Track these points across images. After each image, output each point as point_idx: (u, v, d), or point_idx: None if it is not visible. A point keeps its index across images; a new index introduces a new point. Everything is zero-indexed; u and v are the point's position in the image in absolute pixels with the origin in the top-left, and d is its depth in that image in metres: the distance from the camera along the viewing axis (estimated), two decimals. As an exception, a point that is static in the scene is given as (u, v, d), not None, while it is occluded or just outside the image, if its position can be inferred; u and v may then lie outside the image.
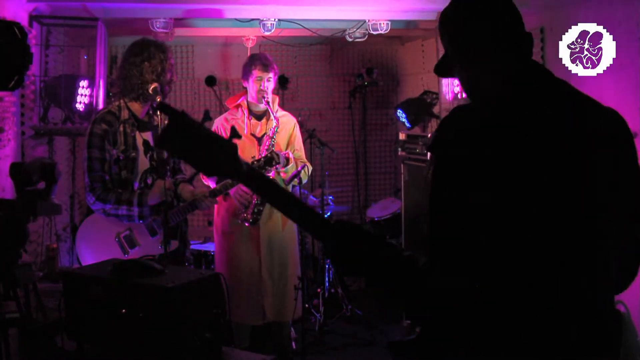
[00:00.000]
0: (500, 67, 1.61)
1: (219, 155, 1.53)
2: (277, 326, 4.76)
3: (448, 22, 1.70)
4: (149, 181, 3.78)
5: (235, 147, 1.55)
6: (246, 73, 4.56)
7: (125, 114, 3.72)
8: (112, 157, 3.64)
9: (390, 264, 1.60)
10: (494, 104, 1.58)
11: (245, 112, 4.60)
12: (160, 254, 3.70)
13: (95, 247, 3.69)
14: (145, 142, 3.78)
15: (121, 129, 3.68)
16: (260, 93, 4.49)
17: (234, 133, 1.68)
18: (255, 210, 4.46)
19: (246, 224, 4.48)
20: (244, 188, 4.40)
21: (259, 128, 4.62)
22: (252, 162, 4.15)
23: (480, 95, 1.67)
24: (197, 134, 1.52)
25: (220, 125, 4.61)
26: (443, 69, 1.78)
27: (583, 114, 1.58)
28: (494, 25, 1.63)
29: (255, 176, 1.60)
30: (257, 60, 4.54)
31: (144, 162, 3.76)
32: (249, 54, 6.41)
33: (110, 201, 3.62)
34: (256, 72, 4.50)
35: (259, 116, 4.63)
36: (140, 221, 3.70)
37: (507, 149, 1.49)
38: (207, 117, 1.65)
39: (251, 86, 4.53)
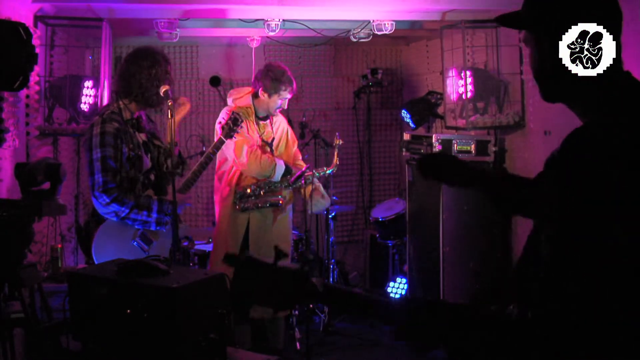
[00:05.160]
0: None
1: (292, 290, 1.53)
2: (270, 325, 4.79)
3: None
4: (152, 177, 3.85)
5: (305, 275, 1.54)
6: (274, 88, 4.58)
7: (127, 114, 3.77)
8: (123, 155, 3.65)
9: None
10: None
11: (253, 115, 4.67)
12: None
13: (116, 255, 3.53)
14: (145, 143, 3.85)
15: (126, 128, 3.72)
16: (276, 110, 4.67)
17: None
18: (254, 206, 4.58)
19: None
20: None
21: (266, 131, 4.70)
22: (223, 127, 4.27)
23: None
24: (266, 277, 1.53)
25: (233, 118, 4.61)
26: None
27: None
28: None
29: (333, 293, 1.58)
30: (288, 81, 4.59)
31: (146, 161, 3.82)
32: (253, 54, 6.44)
33: (129, 205, 3.60)
34: (285, 93, 4.61)
35: (263, 118, 4.71)
36: (158, 227, 3.74)
37: None
38: (280, 255, 1.56)
39: (273, 100, 4.61)
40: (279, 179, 4.62)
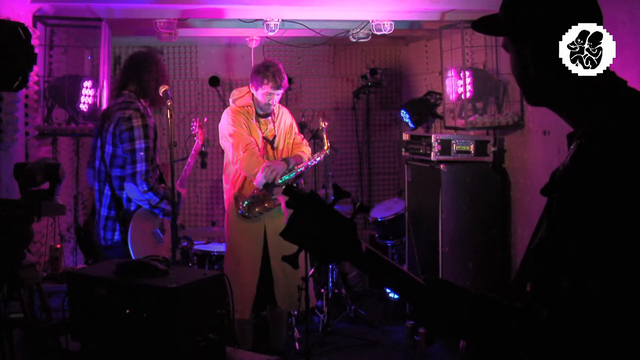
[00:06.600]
0: None
1: (340, 240, 1.42)
2: (272, 324, 4.80)
3: None
4: (157, 173, 3.97)
5: (355, 227, 1.44)
6: (257, 82, 4.49)
7: (149, 112, 3.96)
8: (155, 149, 3.87)
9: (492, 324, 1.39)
10: None
11: (254, 113, 4.61)
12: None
13: (144, 241, 3.88)
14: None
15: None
16: (267, 107, 4.54)
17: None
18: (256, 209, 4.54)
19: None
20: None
21: (268, 128, 4.64)
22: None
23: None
24: (322, 219, 1.42)
25: (241, 119, 4.58)
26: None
27: None
28: None
29: (372, 258, 1.45)
30: (269, 75, 4.44)
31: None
32: (252, 54, 6.44)
33: (160, 194, 3.80)
34: (267, 88, 4.46)
35: (264, 115, 4.65)
36: (166, 217, 3.94)
37: None
38: (340, 194, 1.45)
39: (259, 97, 4.52)
40: (261, 186, 4.48)
